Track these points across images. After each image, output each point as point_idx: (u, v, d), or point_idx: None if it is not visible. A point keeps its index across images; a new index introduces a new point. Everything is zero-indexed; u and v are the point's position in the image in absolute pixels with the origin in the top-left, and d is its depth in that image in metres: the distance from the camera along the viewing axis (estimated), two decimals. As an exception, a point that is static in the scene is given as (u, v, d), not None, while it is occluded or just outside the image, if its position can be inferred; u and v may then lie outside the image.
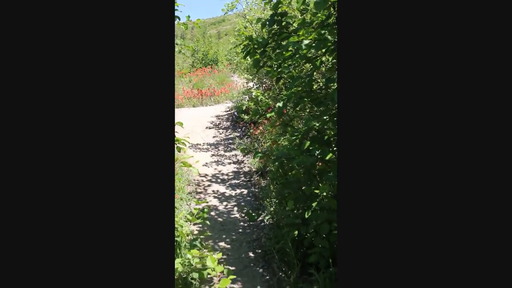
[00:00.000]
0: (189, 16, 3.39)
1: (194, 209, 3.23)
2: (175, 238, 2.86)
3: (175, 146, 3.39)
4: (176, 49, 3.24)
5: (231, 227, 4.22)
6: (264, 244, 3.80)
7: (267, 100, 6.05)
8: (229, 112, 8.78)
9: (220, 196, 5.01)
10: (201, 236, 3.80)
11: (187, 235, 3.30)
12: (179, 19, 3.24)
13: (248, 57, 3.42)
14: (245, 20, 5.98)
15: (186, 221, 3.08)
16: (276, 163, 3.13)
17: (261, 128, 6.15)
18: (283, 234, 3.21)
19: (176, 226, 3.03)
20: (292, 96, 2.93)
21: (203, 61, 17.69)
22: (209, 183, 5.45)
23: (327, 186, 2.70)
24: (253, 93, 6.10)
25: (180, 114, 8.84)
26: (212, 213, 4.54)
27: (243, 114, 6.94)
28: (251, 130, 6.57)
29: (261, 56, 3.37)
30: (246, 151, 5.38)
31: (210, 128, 7.93)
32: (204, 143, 7.06)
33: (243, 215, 4.47)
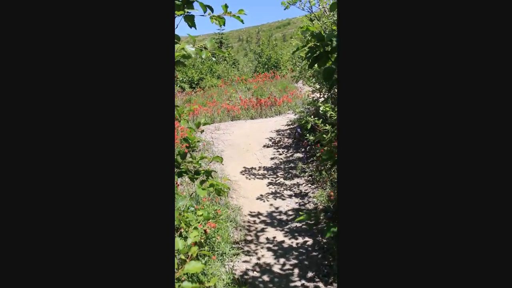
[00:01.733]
0: (226, 6, 2.19)
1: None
2: None
3: (214, 189, 2.32)
4: (204, 55, 2.07)
5: (289, 305, 2.98)
6: None
7: (338, 117, 4.71)
8: (291, 127, 7.52)
9: (276, 248, 3.78)
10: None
11: None
12: (212, 10, 2.06)
13: (316, 64, 2.15)
14: (310, 14, 4.73)
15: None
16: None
17: (330, 152, 4.80)
18: None
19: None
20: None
21: (266, 66, 16.62)
22: (263, 225, 4.24)
23: None
24: (321, 108, 4.79)
25: (234, 128, 7.75)
26: (265, 277, 3.33)
27: (308, 134, 5.63)
28: (318, 153, 5.26)
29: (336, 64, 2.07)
30: (310, 221, 3.94)
31: (268, 146, 6.72)
32: (260, 167, 5.86)
33: (306, 284, 3.19)
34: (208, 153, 6.25)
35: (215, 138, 7.00)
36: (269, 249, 3.77)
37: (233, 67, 18.80)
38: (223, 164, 5.60)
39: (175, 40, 1.99)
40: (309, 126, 5.20)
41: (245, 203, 4.73)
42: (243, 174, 5.54)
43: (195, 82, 16.08)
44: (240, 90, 11.40)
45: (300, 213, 4.19)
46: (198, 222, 2.47)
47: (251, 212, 4.52)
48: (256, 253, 3.70)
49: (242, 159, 6.11)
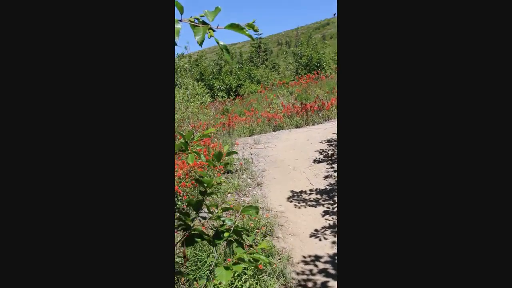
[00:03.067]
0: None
1: None
2: None
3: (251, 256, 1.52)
4: (198, 37, 1.04)
5: None
6: None
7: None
8: (345, 135, 6.30)
9: (345, 319, 2.60)
10: None
11: None
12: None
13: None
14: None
15: None
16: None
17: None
18: None
19: None
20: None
21: (308, 67, 15.42)
22: (323, 278, 3.08)
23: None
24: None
25: (277, 141, 6.63)
26: None
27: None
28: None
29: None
30: None
31: (319, 161, 5.54)
32: (312, 190, 4.69)
33: None
34: (247, 174, 5.18)
35: (254, 154, 5.92)
36: (335, 321, 2.61)
37: (273, 71, 17.76)
38: (261, 199, 4.50)
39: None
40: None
41: (296, 243, 3.60)
42: (291, 201, 4.41)
43: (233, 90, 15.17)
44: (281, 95, 10.29)
45: None
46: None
47: (304, 258, 3.37)
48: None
49: (288, 180, 4.99)
